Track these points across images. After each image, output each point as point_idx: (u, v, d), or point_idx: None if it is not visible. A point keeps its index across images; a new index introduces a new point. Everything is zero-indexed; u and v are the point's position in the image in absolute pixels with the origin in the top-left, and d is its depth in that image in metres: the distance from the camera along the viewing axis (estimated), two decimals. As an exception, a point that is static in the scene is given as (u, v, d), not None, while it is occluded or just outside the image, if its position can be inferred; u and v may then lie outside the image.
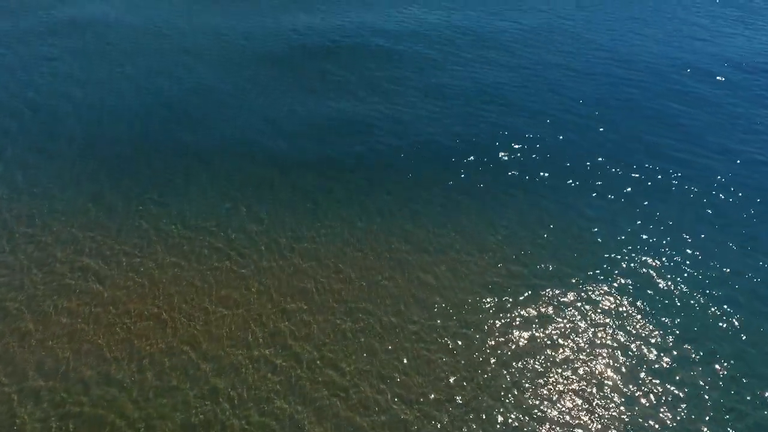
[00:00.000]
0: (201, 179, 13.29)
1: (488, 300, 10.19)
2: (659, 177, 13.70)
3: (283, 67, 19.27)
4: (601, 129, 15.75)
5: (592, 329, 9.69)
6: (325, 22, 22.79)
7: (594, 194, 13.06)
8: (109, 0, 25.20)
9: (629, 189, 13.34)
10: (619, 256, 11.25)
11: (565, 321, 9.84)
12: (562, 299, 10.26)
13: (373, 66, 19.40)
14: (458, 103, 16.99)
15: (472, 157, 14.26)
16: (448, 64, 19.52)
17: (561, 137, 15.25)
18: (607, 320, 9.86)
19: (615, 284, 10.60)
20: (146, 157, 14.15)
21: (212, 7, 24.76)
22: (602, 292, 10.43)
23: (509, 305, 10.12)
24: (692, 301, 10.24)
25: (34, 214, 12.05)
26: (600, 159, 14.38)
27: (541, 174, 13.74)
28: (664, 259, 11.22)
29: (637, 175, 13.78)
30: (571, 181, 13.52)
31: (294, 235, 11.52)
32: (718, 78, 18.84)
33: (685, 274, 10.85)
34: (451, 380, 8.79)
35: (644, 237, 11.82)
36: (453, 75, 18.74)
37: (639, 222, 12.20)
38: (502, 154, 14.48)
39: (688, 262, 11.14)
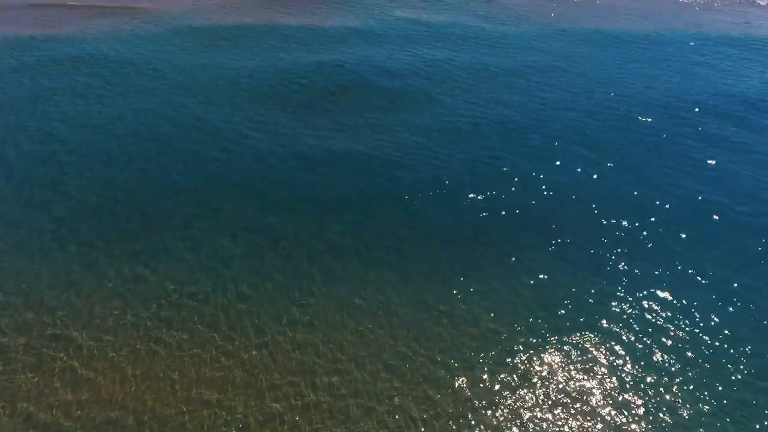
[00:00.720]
0: (195, 236, 12.32)
1: (519, 393, 9.11)
2: (684, 235, 12.76)
3: (285, 107, 18.59)
4: (621, 176, 14.91)
5: (620, 414, 8.59)
6: (328, 62, 22.24)
7: (616, 254, 12.09)
8: (106, 39, 24.74)
9: (651, 245, 12.44)
10: (650, 328, 10.23)
11: (592, 405, 8.75)
12: (587, 381, 9.19)
13: (380, 106, 18.74)
14: (468, 147, 16.22)
15: (485, 213, 13.34)
16: (456, 107, 18.83)
17: (581, 190, 14.35)
18: (639, 402, 8.77)
19: (647, 361, 9.54)
20: (139, 209, 13.21)
21: (213, 45, 24.28)
22: (634, 374, 9.36)
23: (531, 388, 9.05)
24: (732, 375, 9.18)
25: (9, 278, 11.04)
26: (622, 210, 13.50)
27: (561, 230, 12.80)
28: (698, 330, 10.20)
29: (660, 229, 12.88)
30: (592, 237, 12.59)
31: (288, 313, 10.30)
32: (738, 119, 18.21)
33: (724, 346, 9.82)
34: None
35: (674, 302, 10.85)
36: (461, 117, 18.04)
37: (669, 285, 11.21)
38: (516, 206, 13.57)
39: (723, 329, 10.11)
